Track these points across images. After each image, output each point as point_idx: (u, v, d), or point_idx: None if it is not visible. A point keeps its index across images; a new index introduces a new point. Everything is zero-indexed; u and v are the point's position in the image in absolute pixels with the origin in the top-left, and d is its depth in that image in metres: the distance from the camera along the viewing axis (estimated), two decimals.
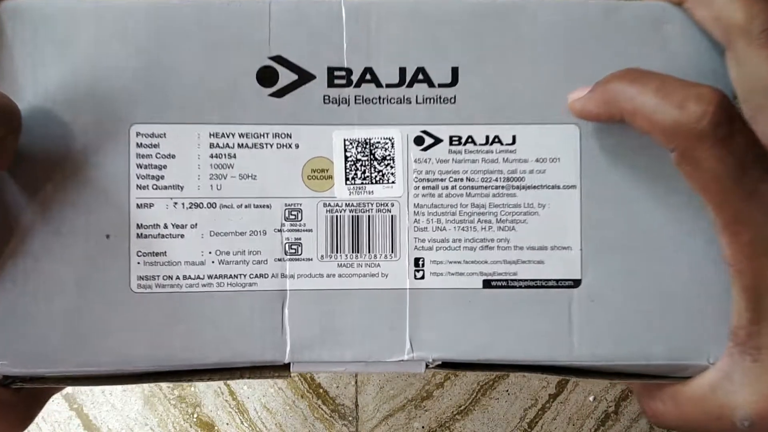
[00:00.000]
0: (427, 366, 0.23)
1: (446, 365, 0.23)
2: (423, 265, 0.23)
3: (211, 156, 0.22)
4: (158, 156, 0.22)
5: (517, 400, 0.36)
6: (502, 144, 0.23)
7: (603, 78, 0.21)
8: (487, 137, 0.23)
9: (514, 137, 0.23)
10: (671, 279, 0.23)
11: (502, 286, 0.23)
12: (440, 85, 0.23)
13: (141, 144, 0.22)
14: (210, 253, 0.22)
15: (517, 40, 0.23)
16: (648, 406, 0.24)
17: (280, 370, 0.23)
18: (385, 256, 0.23)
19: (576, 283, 0.23)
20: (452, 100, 0.23)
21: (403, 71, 0.23)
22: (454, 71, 0.23)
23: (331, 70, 0.22)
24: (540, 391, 0.36)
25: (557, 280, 0.23)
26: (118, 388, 0.36)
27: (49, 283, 0.22)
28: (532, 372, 0.23)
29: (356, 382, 0.36)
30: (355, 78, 0.22)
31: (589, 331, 0.23)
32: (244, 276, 0.22)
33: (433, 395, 0.36)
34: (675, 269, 0.23)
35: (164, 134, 0.22)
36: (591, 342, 0.23)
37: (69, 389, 0.37)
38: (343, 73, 0.22)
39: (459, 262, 0.23)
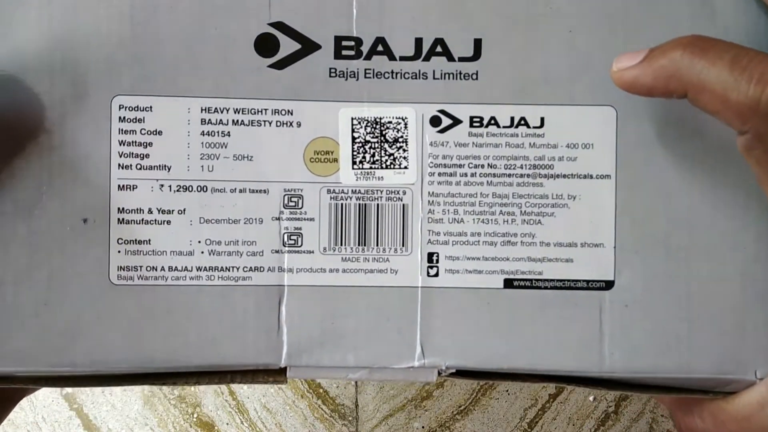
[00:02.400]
0: (439, 374, 0.21)
1: (461, 373, 0.21)
2: (437, 261, 0.21)
3: (203, 133, 0.21)
4: (143, 132, 0.21)
5: (517, 400, 0.36)
6: (528, 127, 0.21)
7: (661, 45, 0.19)
8: (512, 119, 0.21)
9: (542, 119, 0.21)
10: (716, 282, 0.21)
11: (525, 287, 0.21)
12: (461, 59, 0.21)
13: (124, 118, 0.20)
14: (199, 242, 0.21)
15: (549, 7, 0.21)
16: (683, 422, 0.23)
17: (276, 374, 0.21)
18: (395, 250, 0.21)
19: (608, 284, 0.21)
20: (474, 76, 0.21)
21: (419, 42, 0.21)
22: (477, 43, 0.21)
23: (338, 40, 0.21)
24: (540, 391, 0.36)
25: (587, 281, 0.21)
26: (117, 388, 0.36)
27: (18, 273, 0.20)
28: (558, 383, 0.21)
29: (356, 382, 0.36)
30: (365, 49, 0.21)
31: (622, 339, 0.21)
32: (237, 269, 0.21)
33: (433, 395, 0.36)
34: (721, 271, 0.21)
35: (150, 107, 0.21)
36: (624, 352, 0.21)
37: (69, 388, 0.37)
38: (352, 43, 0.21)
39: (478, 259, 0.21)
